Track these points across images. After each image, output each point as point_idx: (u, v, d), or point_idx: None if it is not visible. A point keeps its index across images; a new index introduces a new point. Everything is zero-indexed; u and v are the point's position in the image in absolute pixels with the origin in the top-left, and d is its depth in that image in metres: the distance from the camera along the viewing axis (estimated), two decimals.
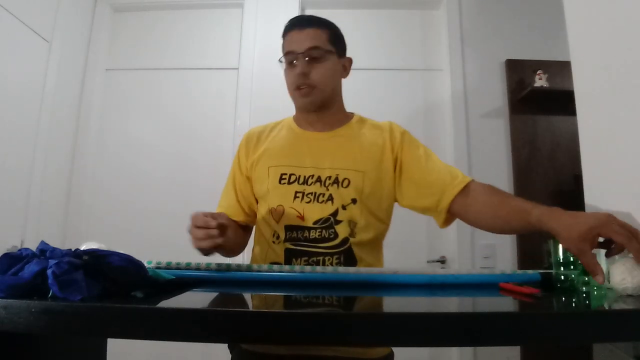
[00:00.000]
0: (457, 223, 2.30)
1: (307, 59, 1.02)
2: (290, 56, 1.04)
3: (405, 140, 1.07)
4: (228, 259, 1.04)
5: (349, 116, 1.14)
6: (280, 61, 1.08)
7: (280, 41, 1.09)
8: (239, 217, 1.09)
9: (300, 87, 1.03)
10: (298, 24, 1.06)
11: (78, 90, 2.35)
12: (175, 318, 0.46)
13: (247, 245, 1.13)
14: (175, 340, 0.47)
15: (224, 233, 0.87)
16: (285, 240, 0.98)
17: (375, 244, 1.04)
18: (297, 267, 0.86)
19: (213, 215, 0.85)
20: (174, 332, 0.47)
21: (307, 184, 1.00)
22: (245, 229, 1.12)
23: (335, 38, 1.07)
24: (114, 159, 2.35)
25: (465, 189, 0.97)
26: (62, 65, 2.19)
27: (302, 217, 0.98)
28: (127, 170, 2.32)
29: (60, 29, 2.18)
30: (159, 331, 0.47)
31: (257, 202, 1.09)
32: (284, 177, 1.02)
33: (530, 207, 0.82)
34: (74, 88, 2.33)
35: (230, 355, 1.01)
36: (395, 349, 1.09)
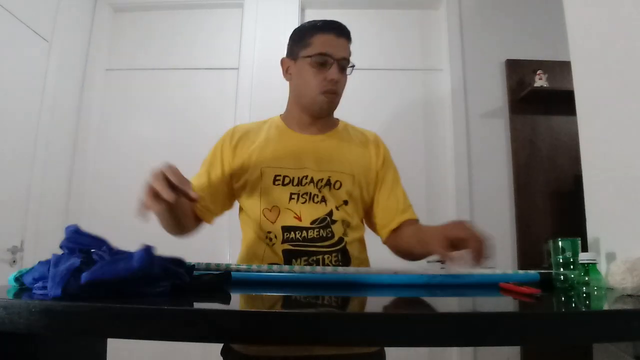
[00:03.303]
0: None
1: (338, 67, 1.03)
2: (324, 58, 1.02)
3: (385, 163, 1.11)
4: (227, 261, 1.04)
5: (336, 122, 1.16)
6: (297, 51, 1.05)
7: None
8: (202, 210, 1.04)
9: (329, 92, 1.03)
10: (336, 29, 1.05)
11: (78, 90, 2.35)
12: (175, 318, 0.46)
13: (237, 247, 1.12)
14: (175, 340, 0.47)
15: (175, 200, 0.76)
16: (284, 241, 0.98)
17: (363, 243, 1.09)
18: (296, 268, 0.87)
19: (180, 181, 0.75)
20: (174, 332, 0.47)
21: (301, 185, 1.01)
22: (197, 219, 1.05)
23: (350, 54, 1.09)
24: (114, 159, 2.35)
25: (401, 225, 1.06)
26: (62, 65, 2.19)
27: (299, 218, 0.99)
28: (127, 170, 2.32)
29: (60, 29, 2.18)
30: (159, 331, 0.47)
31: (231, 201, 1.07)
32: (277, 178, 1.02)
33: (420, 229, 1.00)
34: (74, 88, 2.33)
35: None
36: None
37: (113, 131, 2.38)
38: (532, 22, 2.36)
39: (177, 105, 2.39)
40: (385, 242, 1.10)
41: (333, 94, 1.04)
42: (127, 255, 0.56)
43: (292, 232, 0.98)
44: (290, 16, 2.36)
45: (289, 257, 0.97)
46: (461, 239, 0.79)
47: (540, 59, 2.26)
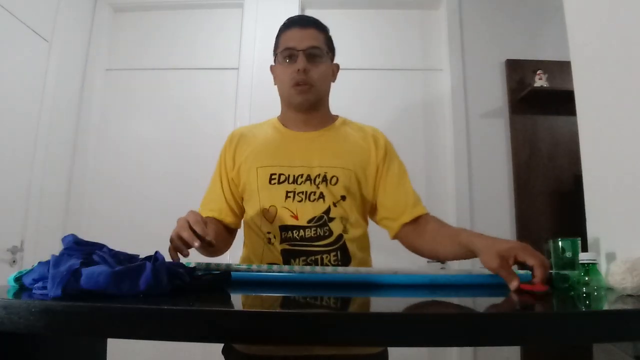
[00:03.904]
0: (457, 222, 2.29)
1: (307, 57, 1.02)
2: (288, 52, 1.04)
3: (387, 155, 1.09)
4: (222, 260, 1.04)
5: (334, 118, 1.15)
6: (275, 54, 1.08)
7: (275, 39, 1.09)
8: (228, 218, 1.07)
9: (299, 84, 1.02)
10: (299, 22, 1.07)
11: (78, 90, 2.35)
12: (175, 318, 0.46)
13: (237, 247, 1.12)
14: (175, 340, 0.47)
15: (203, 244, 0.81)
16: (282, 241, 0.98)
17: (365, 240, 1.07)
18: (296, 268, 0.87)
19: (203, 231, 0.78)
20: (174, 332, 0.47)
21: (297, 183, 1.01)
22: (229, 231, 1.10)
23: (329, 42, 1.09)
24: (114, 159, 2.35)
25: (419, 219, 1.04)
26: (62, 65, 2.19)
27: (295, 217, 0.99)
28: (127, 170, 2.32)
29: (60, 29, 2.18)
30: (159, 331, 0.47)
31: (242, 202, 1.09)
32: (273, 177, 1.01)
33: (462, 231, 0.92)
34: (74, 88, 2.33)
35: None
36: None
37: (113, 131, 2.38)
38: (532, 22, 2.36)
39: (177, 105, 2.39)
40: (395, 237, 1.07)
41: (304, 85, 1.03)
42: (132, 269, 0.55)
43: (290, 232, 0.98)
44: (290, 16, 2.35)
45: (288, 257, 0.97)
46: (526, 263, 0.73)
47: (540, 59, 2.26)
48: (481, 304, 0.68)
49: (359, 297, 0.70)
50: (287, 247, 0.98)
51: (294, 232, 0.98)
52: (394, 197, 1.05)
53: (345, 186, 1.01)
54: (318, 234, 0.98)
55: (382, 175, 1.07)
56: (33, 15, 2.02)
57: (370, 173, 1.06)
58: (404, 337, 0.46)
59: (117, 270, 0.53)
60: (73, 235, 0.62)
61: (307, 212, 0.99)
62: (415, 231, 1.03)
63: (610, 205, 0.93)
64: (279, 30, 1.09)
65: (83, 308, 0.47)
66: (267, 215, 1.00)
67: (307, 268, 0.86)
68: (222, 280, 0.72)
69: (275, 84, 1.12)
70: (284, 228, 0.98)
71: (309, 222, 0.98)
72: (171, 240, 0.80)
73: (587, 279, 0.73)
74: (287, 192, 1.00)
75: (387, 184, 1.06)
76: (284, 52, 1.04)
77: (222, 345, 1.01)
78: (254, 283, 0.79)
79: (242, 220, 1.10)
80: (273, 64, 1.12)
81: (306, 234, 0.98)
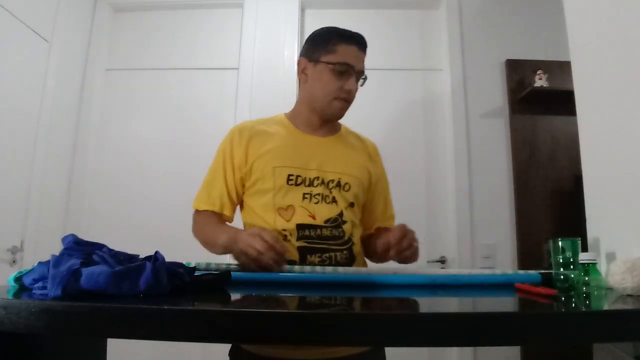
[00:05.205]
0: (457, 222, 2.28)
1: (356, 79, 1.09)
2: (346, 67, 1.07)
3: (381, 172, 1.20)
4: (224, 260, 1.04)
5: (339, 126, 1.20)
6: (320, 55, 1.07)
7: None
8: (228, 212, 1.09)
9: (345, 101, 1.08)
10: (359, 42, 1.11)
11: (78, 90, 2.35)
12: (175, 318, 0.46)
13: None
14: (175, 340, 0.47)
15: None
16: (299, 238, 1.00)
17: (360, 242, 1.12)
18: (296, 268, 0.87)
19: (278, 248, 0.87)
20: (174, 332, 0.47)
21: (313, 186, 1.04)
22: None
23: None
24: (114, 159, 2.35)
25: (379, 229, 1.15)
26: (62, 65, 2.19)
27: (313, 217, 1.02)
28: (127, 170, 2.32)
29: (60, 29, 2.18)
30: (159, 331, 0.47)
31: (242, 196, 1.10)
32: (291, 178, 1.04)
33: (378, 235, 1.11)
34: (74, 88, 2.33)
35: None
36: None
37: (113, 131, 2.38)
38: (532, 22, 2.36)
39: (177, 105, 2.39)
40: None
41: (346, 102, 1.09)
42: (132, 269, 0.55)
43: (307, 230, 1.01)
44: (290, 16, 2.36)
45: (304, 253, 0.99)
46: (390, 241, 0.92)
47: (540, 59, 2.26)
48: (481, 304, 0.68)
49: (359, 297, 0.70)
50: (305, 244, 1.00)
51: (311, 230, 1.01)
52: (371, 210, 1.16)
53: (355, 193, 1.08)
54: (333, 234, 1.02)
55: (372, 188, 1.16)
56: (33, 15, 2.02)
57: (368, 184, 1.14)
58: (404, 337, 0.46)
59: (117, 270, 0.53)
60: (73, 235, 0.62)
61: (324, 213, 1.03)
62: (369, 239, 1.14)
63: (610, 205, 0.93)
64: (338, 37, 1.09)
65: (83, 308, 0.47)
66: (284, 214, 1.02)
67: (307, 268, 0.87)
68: (222, 280, 0.72)
69: (301, 80, 1.13)
70: (302, 227, 1.01)
71: (325, 222, 1.02)
72: (260, 260, 0.85)
73: (587, 279, 0.73)
74: (304, 193, 1.03)
75: (374, 199, 1.16)
76: (342, 66, 1.07)
77: (223, 346, 1.01)
78: (254, 283, 0.79)
79: (245, 215, 1.11)
80: (303, 57, 1.12)
81: (323, 232, 1.02)
